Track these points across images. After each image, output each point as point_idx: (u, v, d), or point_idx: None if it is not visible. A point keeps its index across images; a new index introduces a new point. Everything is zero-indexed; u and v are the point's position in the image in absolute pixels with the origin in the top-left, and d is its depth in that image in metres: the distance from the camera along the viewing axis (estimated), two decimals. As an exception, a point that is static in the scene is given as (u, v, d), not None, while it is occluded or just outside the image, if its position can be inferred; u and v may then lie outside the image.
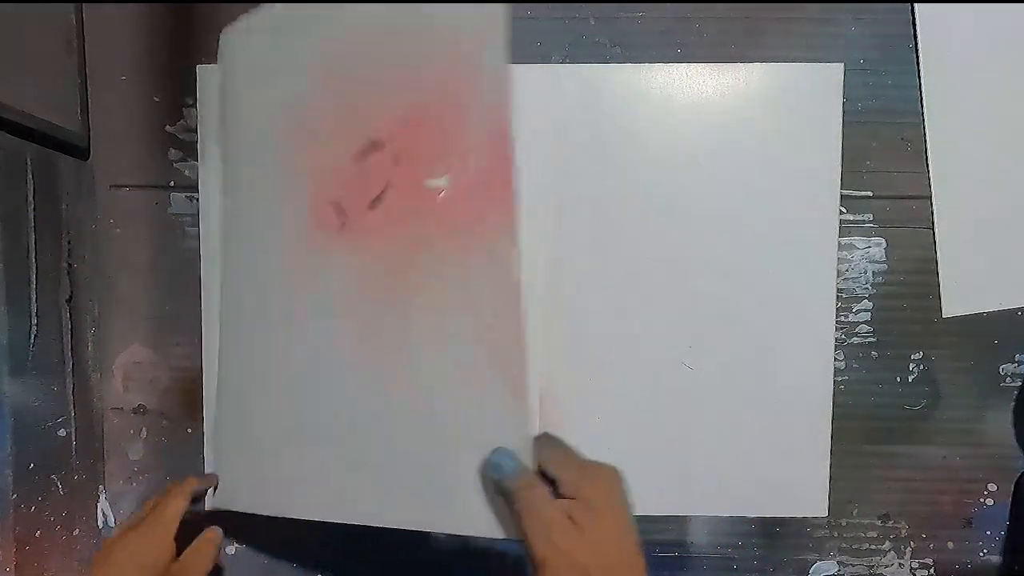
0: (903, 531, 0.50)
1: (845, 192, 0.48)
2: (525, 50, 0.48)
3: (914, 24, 0.47)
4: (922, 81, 0.48)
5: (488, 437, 0.36)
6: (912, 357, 0.49)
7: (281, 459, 0.44)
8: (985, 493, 0.50)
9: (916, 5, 0.47)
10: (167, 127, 0.49)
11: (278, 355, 0.44)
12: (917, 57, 0.47)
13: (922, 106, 0.48)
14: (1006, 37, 0.48)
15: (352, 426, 0.41)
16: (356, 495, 0.41)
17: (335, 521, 0.42)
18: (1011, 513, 0.50)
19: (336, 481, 0.42)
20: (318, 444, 0.43)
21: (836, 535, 0.50)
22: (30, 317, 0.43)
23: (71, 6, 0.47)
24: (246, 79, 0.45)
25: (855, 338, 0.49)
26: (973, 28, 0.47)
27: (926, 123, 0.48)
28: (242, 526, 0.50)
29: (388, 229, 0.40)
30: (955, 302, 0.48)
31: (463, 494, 0.37)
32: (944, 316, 0.48)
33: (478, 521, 0.37)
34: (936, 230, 0.48)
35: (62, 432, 0.46)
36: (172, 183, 0.49)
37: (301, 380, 0.43)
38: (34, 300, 0.43)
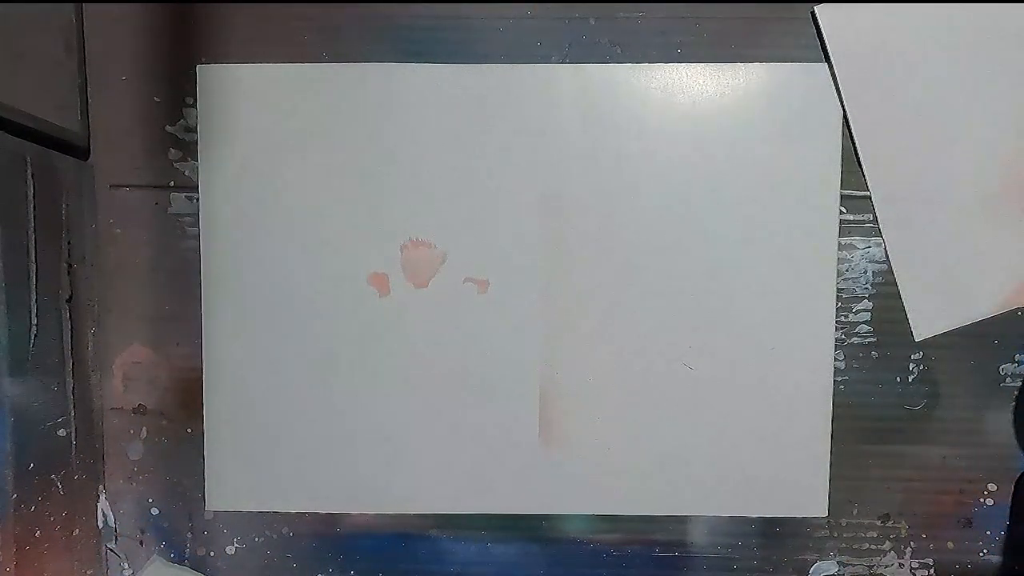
0: (903, 531, 0.50)
1: (845, 192, 0.48)
2: (525, 50, 0.48)
3: (817, 26, 0.47)
4: (840, 88, 0.47)
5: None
6: (912, 357, 0.49)
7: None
8: (985, 493, 0.50)
9: (816, 8, 0.47)
10: (167, 127, 0.49)
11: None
12: (829, 61, 0.47)
13: (845, 114, 0.47)
14: (908, 30, 0.47)
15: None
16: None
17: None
18: (1011, 513, 0.50)
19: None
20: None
21: (836, 535, 0.50)
22: (30, 317, 0.43)
23: (71, 6, 0.47)
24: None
25: (855, 338, 0.49)
26: (877, 24, 0.47)
27: (854, 137, 0.47)
28: (242, 526, 0.50)
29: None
30: (923, 325, 0.48)
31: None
32: (916, 340, 0.48)
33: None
34: (887, 247, 0.48)
35: (62, 432, 0.46)
36: (172, 183, 0.49)
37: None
38: (34, 300, 0.43)
